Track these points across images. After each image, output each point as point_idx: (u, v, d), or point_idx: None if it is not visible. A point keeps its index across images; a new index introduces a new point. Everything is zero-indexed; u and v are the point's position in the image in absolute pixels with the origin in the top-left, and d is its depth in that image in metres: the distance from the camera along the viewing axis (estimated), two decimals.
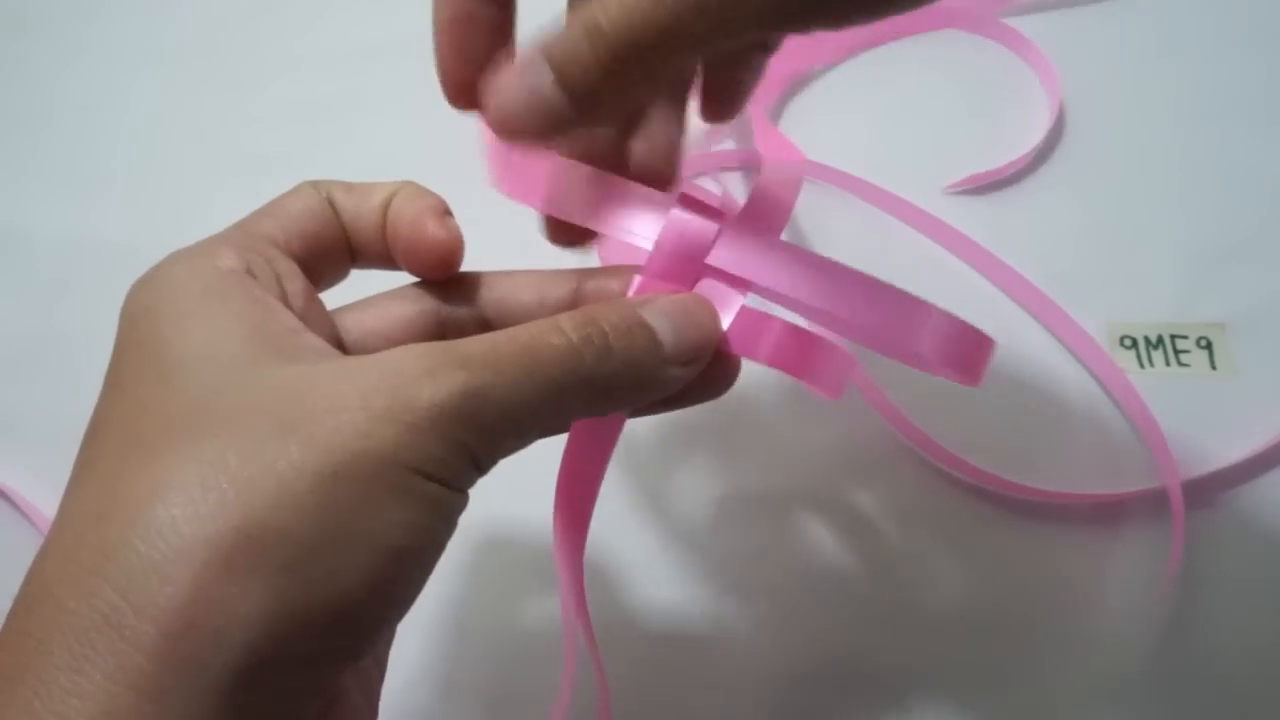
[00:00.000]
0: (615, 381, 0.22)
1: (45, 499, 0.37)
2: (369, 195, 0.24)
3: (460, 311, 0.25)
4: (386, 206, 0.24)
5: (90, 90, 0.44)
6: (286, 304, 0.22)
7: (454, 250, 0.24)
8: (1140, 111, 0.41)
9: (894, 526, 0.36)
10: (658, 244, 0.24)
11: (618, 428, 0.24)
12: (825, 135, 0.41)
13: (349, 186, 0.25)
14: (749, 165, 0.41)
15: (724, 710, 0.34)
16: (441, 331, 0.25)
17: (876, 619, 0.34)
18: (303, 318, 0.22)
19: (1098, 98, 0.41)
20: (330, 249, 0.24)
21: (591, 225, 0.24)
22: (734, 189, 0.41)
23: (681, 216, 0.24)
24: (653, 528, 0.36)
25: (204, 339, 0.20)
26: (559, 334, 0.21)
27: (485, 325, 0.25)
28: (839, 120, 0.42)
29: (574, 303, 0.25)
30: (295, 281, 0.23)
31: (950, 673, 0.34)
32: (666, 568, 0.35)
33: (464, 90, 0.25)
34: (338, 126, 0.43)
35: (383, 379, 0.19)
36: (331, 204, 0.24)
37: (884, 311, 0.23)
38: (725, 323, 0.24)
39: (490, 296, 0.25)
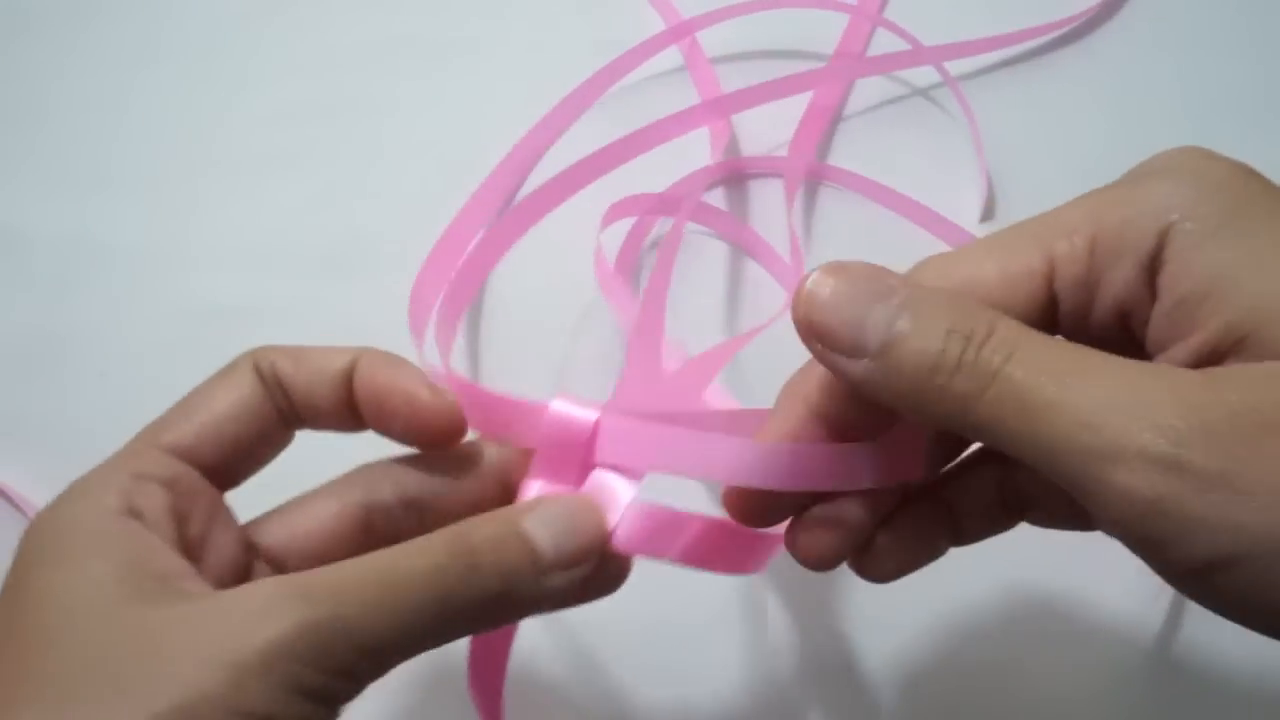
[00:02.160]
0: (489, 599, 0.21)
1: (45, 499, 0.37)
2: (324, 364, 0.24)
3: (386, 498, 0.24)
4: (348, 374, 0.24)
5: (90, 90, 0.44)
6: (181, 533, 0.22)
7: (458, 416, 0.24)
8: (1138, 112, 0.41)
9: None
10: (539, 446, 0.23)
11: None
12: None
13: (297, 357, 0.24)
14: (731, 178, 0.41)
15: (729, 705, 0.34)
16: (368, 520, 0.24)
17: (876, 618, 0.34)
18: (202, 540, 0.23)
19: (1095, 99, 0.41)
20: (255, 444, 0.24)
21: (483, 432, 0.24)
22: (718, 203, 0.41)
23: (558, 415, 0.23)
24: None
25: (69, 589, 0.20)
26: (423, 554, 0.21)
27: (412, 507, 0.24)
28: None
29: (490, 476, 0.24)
30: (197, 500, 0.23)
31: (949, 672, 0.34)
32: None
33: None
34: (338, 126, 0.43)
35: (219, 621, 0.19)
36: (273, 379, 0.24)
37: (806, 471, 0.22)
38: (613, 519, 0.23)
39: (411, 479, 0.24)
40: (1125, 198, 0.20)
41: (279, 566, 0.24)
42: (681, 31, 0.41)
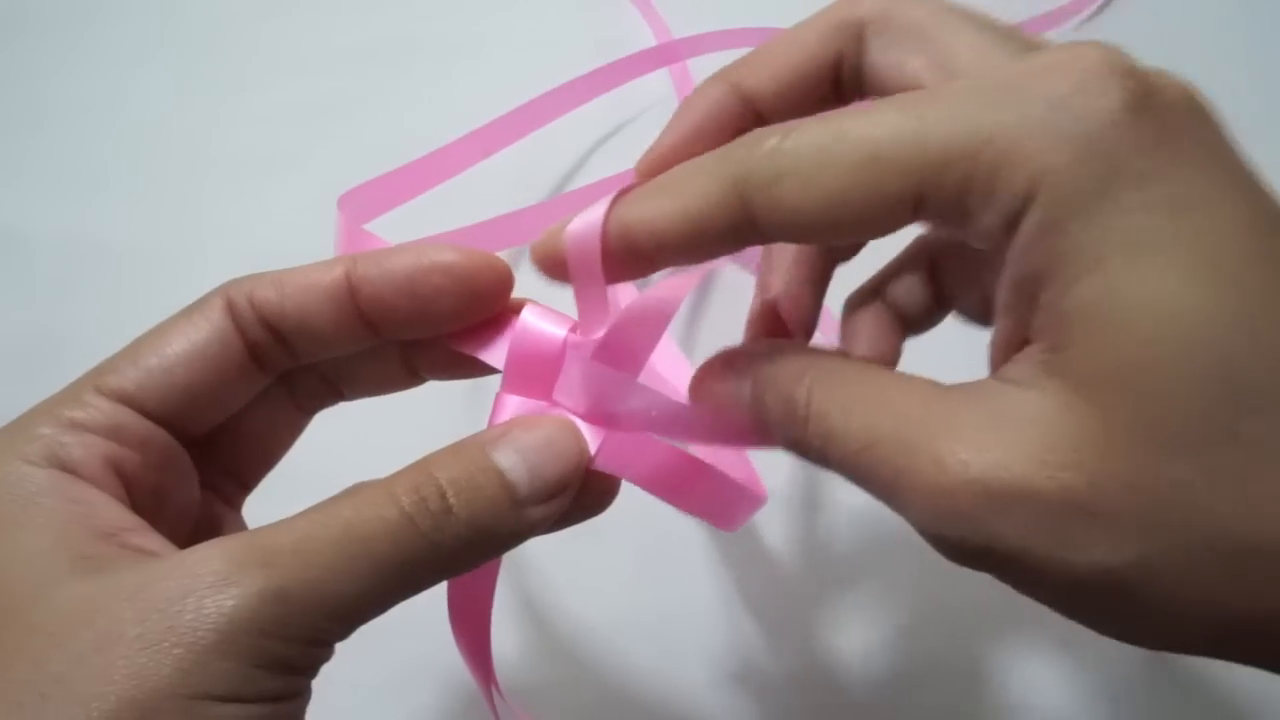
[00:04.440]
0: (462, 544, 0.19)
1: None
2: (313, 280, 0.21)
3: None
4: (343, 284, 0.21)
5: (90, 90, 0.44)
6: (127, 489, 0.20)
7: (501, 265, 0.22)
8: None
9: (893, 525, 0.36)
10: (508, 358, 0.22)
11: (496, 562, 0.22)
12: None
13: (278, 281, 0.22)
14: None
15: (733, 713, 0.34)
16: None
17: (875, 617, 0.34)
18: (155, 496, 0.21)
19: None
20: (217, 390, 0.21)
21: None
22: None
23: (527, 327, 0.22)
24: (649, 528, 0.36)
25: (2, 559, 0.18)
26: (389, 503, 0.19)
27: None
28: None
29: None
30: (148, 452, 0.21)
31: (950, 668, 0.34)
32: (667, 565, 0.35)
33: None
34: (338, 126, 0.43)
35: (169, 592, 0.17)
36: (250, 313, 0.21)
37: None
38: (594, 443, 0.21)
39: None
40: (1006, 133, 0.17)
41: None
42: (671, 54, 0.41)
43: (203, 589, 0.17)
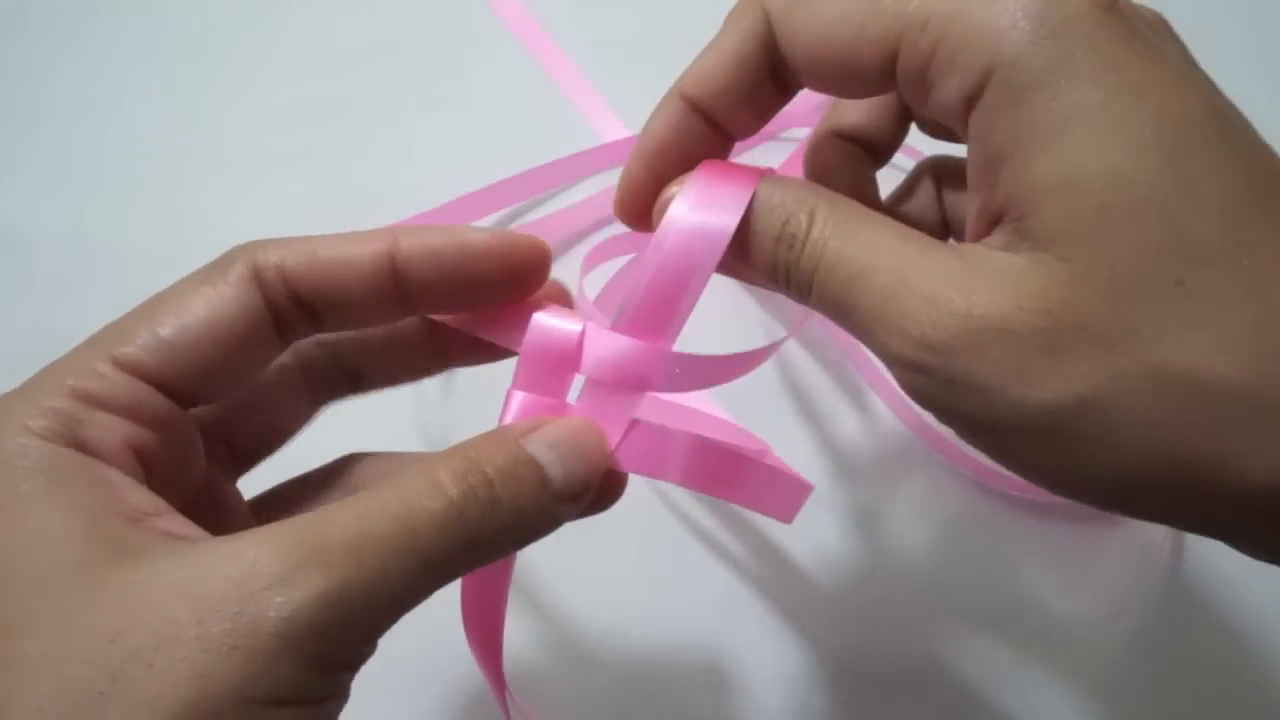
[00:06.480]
0: (502, 533, 0.19)
1: None
2: (350, 252, 0.21)
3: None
4: (385, 259, 0.21)
5: (90, 90, 0.44)
6: (146, 473, 0.19)
7: (541, 245, 0.22)
8: None
9: (896, 525, 0.36)
10: (522, 355, 0.22)
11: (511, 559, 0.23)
12: None
13: (308, 250, 0.21)
14: None
15: (735, 711, 0.34)
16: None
17: (878, 617, 0.34)
18: (173, 476, 0.20)
19: None
20: (236, 363, 0.20)
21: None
22: None
23: (542, 325, 0.22)
24: (652, 527, 0.36)
25: (16, 552, 0.17)
26: (437, 493, 0.18)
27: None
28: None
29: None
30: (166, 431, 0.20)
31: (949, 668, 0.34)
32: (671, 563, 0.35)
33: (640, 212, 0.22)
34: (338, 126, 0.43)
35: (226, 591, 0.16)
36: (278, 281, 0.21)
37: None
38: (614, 439, 0.21)
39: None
40: (978, 7, 0.18)
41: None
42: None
43: (260, 590, 0.16)
